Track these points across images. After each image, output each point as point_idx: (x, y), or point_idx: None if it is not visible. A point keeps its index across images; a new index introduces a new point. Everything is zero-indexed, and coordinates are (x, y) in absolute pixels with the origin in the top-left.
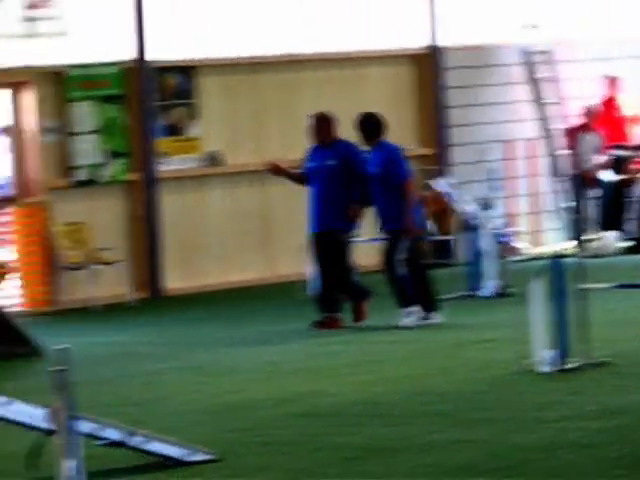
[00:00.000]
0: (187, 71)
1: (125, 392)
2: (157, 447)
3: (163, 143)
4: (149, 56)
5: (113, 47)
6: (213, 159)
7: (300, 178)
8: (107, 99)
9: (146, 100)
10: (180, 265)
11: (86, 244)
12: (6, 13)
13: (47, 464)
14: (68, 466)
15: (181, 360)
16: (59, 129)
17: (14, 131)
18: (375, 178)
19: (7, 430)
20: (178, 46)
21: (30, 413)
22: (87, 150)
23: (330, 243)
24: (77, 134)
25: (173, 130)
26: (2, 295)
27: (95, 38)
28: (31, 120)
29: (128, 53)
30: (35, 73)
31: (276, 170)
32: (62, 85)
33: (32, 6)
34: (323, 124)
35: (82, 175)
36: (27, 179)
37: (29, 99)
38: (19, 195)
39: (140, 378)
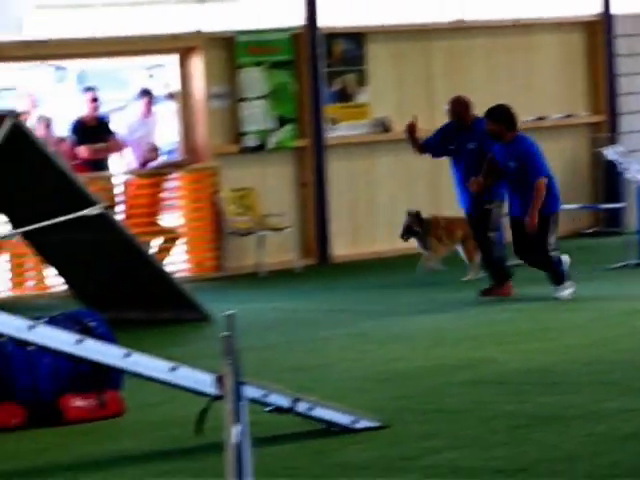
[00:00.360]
0: (357, 38)
1: (291, 358)
2: (323, 413)
3: (332, 109)
4: (319, 22)
5: (283, 13)
6: (382, 125)
7: (420, 147)
8: (277, 65)
9: (315, 66)
10: (348, 232)
11: (254, 210)
12: None
13: (214, 429)
14: (234, 432)
15: (347, 327)
16: (228, 95)
17: (183, 97)
18: (513, 173)
19: (175, 395)
20: (348, 12)
21: (197, 379)
22: (256, 116)
23: (485, 221)
24: (246, 100)
25: (342, 96)
26: (170, 261)
27: (265, 4)
28: (200, 86)
29: (298, 19)
30: (205, 39)
31: (410, 130)
32: (232, 51)
33: None
34: (461, 108)
35: (251, 141)
36: (195, 145)
37: (198, 65)
38: (187, 160)
39: (306, 345)
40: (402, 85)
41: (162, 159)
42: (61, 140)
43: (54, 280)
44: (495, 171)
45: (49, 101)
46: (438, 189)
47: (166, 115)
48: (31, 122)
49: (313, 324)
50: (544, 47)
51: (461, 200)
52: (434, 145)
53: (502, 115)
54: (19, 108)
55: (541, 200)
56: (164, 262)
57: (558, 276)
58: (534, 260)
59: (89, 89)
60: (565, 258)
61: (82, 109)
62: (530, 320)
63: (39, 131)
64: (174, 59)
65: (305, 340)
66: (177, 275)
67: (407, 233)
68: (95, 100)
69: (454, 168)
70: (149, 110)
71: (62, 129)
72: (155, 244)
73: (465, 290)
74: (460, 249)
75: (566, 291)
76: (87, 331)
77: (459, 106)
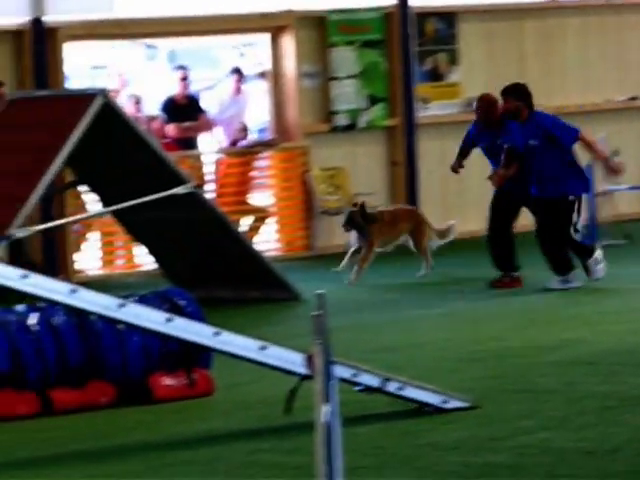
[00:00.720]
0: (448, 17)
1: (381, 338)
2: (413, 393)
3: (423, 89)
4: (411, 1)
5: None
6: (472, 105)
7: (460, 164)
8: (368, 44)
9: (407, 45)
10: (438, 211)
11: (344, 189)
12: None
13: (304, 408)
14: (324, 411)
15: (437, 307)
16: (319, 74)
17: (273, 76)
18: (537, 151)
19: (264, 375)
20: None
21: (287, 358)
22: (347, 95)
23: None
24: (337, 79)
25: (433, 76)
26: (260, 240)
27: None
28: (291, 65)
29: None
30: (296, 17)
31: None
32: (323, 30)
33: None
34: (489, 106)
35: (341, 120)
36: (286, 124)
37: (289, 43)
38: (278, 139)
39: (396, 324)
40: (493, 65)
41: (252, 138)
42: (151, 118)
43: (144, 259)
44: (517, 159)
45: (140, 80)
46: None
47: (257, 94)
48: (121, 100)
49: (404, 304)
50: (636, 26)
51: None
52: (468, 150)
53: (522, 92)
54: (110, 86)
55: (596, 146)
56: (254, 241)
57: (586, 248)
58: (552, 247)
59: (180, 67)
60: (599, 253)
61: (173, 88)
62: (617, 301)
63: (129, 109)
64: (265, 38)
65: (395, 320)
66: (267, 254)
67: (348, 224)
68: (185, 79)
69: (491, 164)
70: (239, 89)
71: (152, 107)
72: (245, 223)
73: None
74: (409, 242)
75: (599, 264)
76: (176, 310)
77: (487, 104)
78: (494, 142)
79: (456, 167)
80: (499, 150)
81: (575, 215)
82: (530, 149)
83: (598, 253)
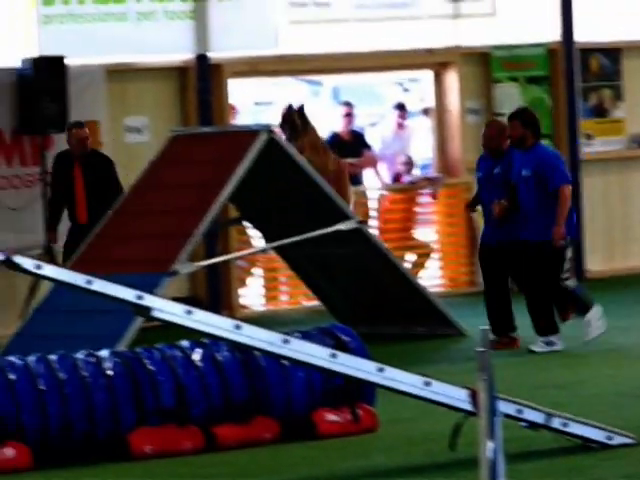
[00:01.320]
0: (613, 53)
1: (544, 374)
2: (578, 430)
3: (587, 125)
4: (575, 37)
5: (539, 28)
6: (637, 141)
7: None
8: (532, 80)
9: (571, 81)
10: (602, 247)
11: None
12: None
13: (468, 444)
14: (489, 447)
15: (601, 343)
16: (482, 110)
17: (437, 111)
18: (526, 183)
19: (428, 410)
20: (604, 27)
21: (451, 394)
22: None
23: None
24: (501, 115)
25: (597, 111)
26: (424, 276)
27: (521, 19)
28: (454, 101)
29: (554, 34)
30: (460, 54)
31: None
32: (487, 66)
33: None
34: (497, 133)
35: None
36: (450, 160)
37: (452, 80)
38: (444, 178)
39: (560, 360)
40: None
41: (417, 174)
42: None
43: (307, 294)
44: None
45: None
46: None
47: (420, 130)
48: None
49: (569, 339)
50: None
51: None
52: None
53: (530, 119)
54: (276, 122)
55: (567, 209)
56: (418, 277)
57: (582, 303)
58: (540, 300)
59: (345, 104)
60: (596, 309)
61: (336, 124)
62: None
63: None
64: (428, 74)
65: (559, 356)
66: (431, 290)
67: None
68: (349, 115)
69: (483, 199)
70: (402, 124)
71: None
72: (409, 259)
73: None
74: None
75: (594, 323)
76: (340, 346)
77: (495, 130)
78: (491, 172)
79: (469, 206)
80: (495, 181)
81: (567, 262)
82: (521, 180)
83: (596, 309)
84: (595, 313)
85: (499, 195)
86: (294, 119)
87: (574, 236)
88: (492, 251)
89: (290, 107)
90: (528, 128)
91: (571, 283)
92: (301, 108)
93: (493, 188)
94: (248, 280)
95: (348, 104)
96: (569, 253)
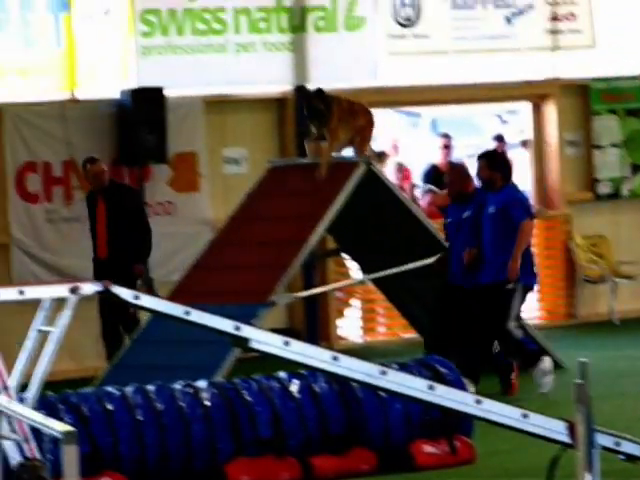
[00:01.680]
0: None
1: None
2: None
3: None
4: None
5: (638, 60)
6: None
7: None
8: (631, 112)
9: None
10: None
11: (606, 258)
12: (531, 25)
13: (565, 477)
14: None
15: None
16: (582, 142)
17: (536, 143)
18: (491, 220)
19: (525, 443)
20: None
21: (549, 426)
22: (610, 163)
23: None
24: (600, 147)
25: None
26: (523, 307)
27: (620, 51)
28: (553, 133)
29: None
30: (559, 86)
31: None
32: (586, 98)
33: (556, 18)
34: (459, 178)
35: (604, 188)
36: (548, 192)
37: (551, 112)
38: (544, 211)
39: None
40: None
41: None
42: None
43: (405, 326)
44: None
45: (403, 147)
46: None
47: (518, 162)
48: (388, 168)
49: None
50: None
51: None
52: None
53: (498, 161)
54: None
55: (525, 244)
56: None
57: (527, 354)
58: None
59: (444, 135)
60: (547, 363)
61: (435, 155)
62: None
63: (394, 177)
64: (527, 106)
65: None
66: (529, 322)
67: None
68: (447, 146)
69: (453, 246)
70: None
71: (416, 175)
72: None
73: None
74: None
75: (545, 377)
76: (438, 377)
77: (458, 175)
78: (460, 216)
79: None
80: (465, 225)
81: (514, 307)
82: (487, 218)
83: (547, 362)
84: (545, 365)
85: (469, 239)
86: (316, 105)
87: (527, 282)
88: (458, 291)
89: (308, 95)
90: (496, 171)
91: (517, 332)
92: (318, 92)
93: (462, 233)
94: (346, 311)
95: (447, 136)
96: (519, 298)
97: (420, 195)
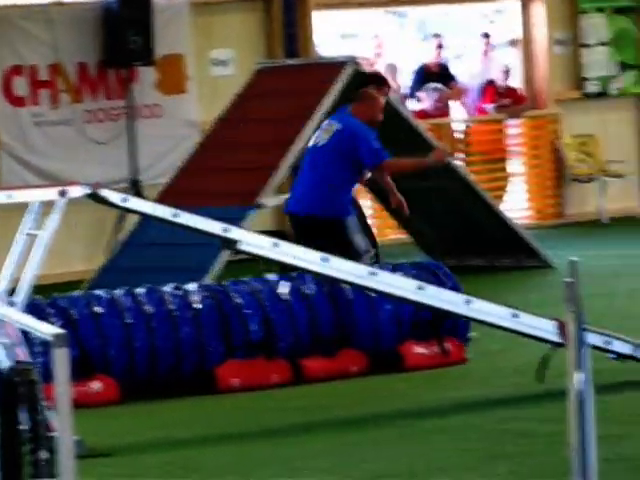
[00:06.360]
0: None
1: (633, 306)
2: None
3: None
4: None
5: None
6: None
7: None
8: (618, 11)
9: None
10: None
11: (595, 157)
12: None
13: (556, 377)
14: (577, 379)
15: None
16: (570, 41)
17: (524, 43)
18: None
19: (516, 342)
20: None
21: (539, 326)
22: (598, 62)
23: None
24: (588, 46)
25: None
26: (511, 207)
27: None
28: (541, 32)
29: None
30: None
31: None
32: None
33: None
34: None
35: (592, 87)
36: (537, 91)
37: (540, 11)
38: (527, 107)
39: None
40: None
41: (503, 102)
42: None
43: (394, 228)
44: None
45: (392, 48)
46: None
47: (507, 61)
48: (376, 68)
49: None
50: None
51: None
52: None
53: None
54: (362, 54)
55: None
56: (503, 208)
57: None
58: None
59: (435, 35)
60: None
61: (425, 56)
62: None
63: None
64: (515, 5)
65: None
66: (518, 222)
67: None
68: (440, 46)
69: None
70: (489, 53)
71: (404, 75)
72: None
73: None
74: None
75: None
76: (437, 281)
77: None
78: None
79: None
80: None
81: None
82: None
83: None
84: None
85: None
86: None
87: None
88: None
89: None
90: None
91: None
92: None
93: None
94: None
95: (438, 36)
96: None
97: (426, 95)
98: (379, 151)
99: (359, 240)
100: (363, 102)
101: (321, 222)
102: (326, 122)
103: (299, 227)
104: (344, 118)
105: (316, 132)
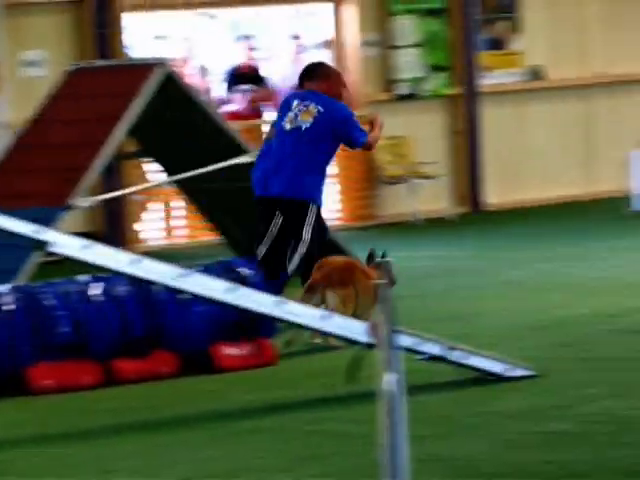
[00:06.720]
0: None
1: (445, 307)
2: (477, 362)
3: (485, 57)
4: None
5: None
6: (535, 73)
7: None
8: (429, 12)
9: (468, 13)
10: (500, 180)
11: (406, 158)
12: None
13: (367, 378)
14: (388, 380)
15: (501, 275)
16: (380, 43)
17: (335, 44)
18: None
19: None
20: None
21: (350, 327)
22: (408, 64)
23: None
24: (398, 47)
25: (495, 44)
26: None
27: None
28: (352, 34)
29: None
30: None
31: None
32: None
33: None
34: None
35: (403, 89)
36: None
37: (351, 13)
38: None
39: (460, 293)
40: (556, 32)
41: None
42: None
43: (206, 229)
44: None
45: (203, 50)
46: (591, 137)
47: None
48: (187, 70)
49: (467, 272)
50: None
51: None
52: None
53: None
54: (174, 56)
55: None
56: None
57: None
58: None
59: (245, 37)
60: None
61: (237, 57)
62: None
63: (195, 80)
64: (327, 7)
65: (459, 288)
66: (329, 223)
67: None
68: (251, 48)
69: None
70: (299, 55)
71: (215, 77)
72: None
73: (620, 238)
74: None
75: None
76: (241, 280)
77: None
78: None
79: None
80: None
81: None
82: None
83: None
84: None
85: None
86: None
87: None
88: None
89: None
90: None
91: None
92: None
93: None
94: (144, 215)
95: (248, 38)
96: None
97: (238, 95)
98: (362, 129)
99: (309, 230)
100: (326, 79)
101: (301, 204)
102: (295, 102)
103: (282, 210)
104: (320, 99)
105: (287, 113)
